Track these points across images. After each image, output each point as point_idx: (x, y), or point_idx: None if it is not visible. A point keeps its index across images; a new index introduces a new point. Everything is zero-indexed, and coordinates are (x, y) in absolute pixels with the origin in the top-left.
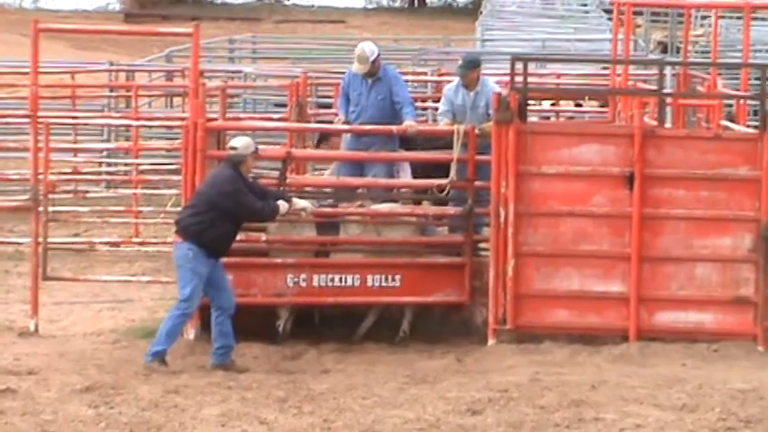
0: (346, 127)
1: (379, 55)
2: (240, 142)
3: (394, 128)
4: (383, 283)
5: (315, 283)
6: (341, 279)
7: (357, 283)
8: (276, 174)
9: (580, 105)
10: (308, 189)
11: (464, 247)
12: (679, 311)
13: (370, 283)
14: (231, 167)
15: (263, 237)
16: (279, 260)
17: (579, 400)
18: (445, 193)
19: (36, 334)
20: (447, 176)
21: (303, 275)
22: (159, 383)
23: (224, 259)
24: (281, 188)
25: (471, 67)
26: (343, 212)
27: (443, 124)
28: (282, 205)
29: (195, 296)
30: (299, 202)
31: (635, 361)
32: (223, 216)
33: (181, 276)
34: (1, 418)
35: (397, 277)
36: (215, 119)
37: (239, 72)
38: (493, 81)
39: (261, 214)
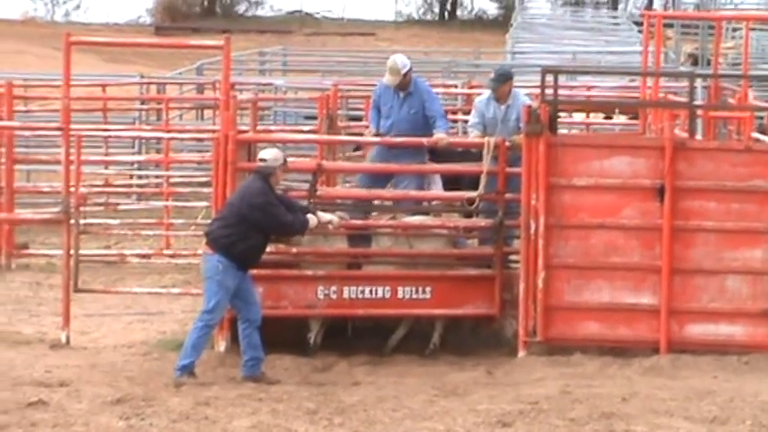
0: (377, 139)
1: (410, 69)
2: (269, 154)
3: (425, 140)
4: (413, 296)
5: (345, 296)
6: (371, 291)
7: (387, 295)
8: (306, 186)
9: (610, 118)
10: (338, 201)
11: (494, 260)
12: (710, 324)
13: (400, 295)
14: (261, 179)
15: (294, 249)
16: (309, 272)
17: (610, 412)
18: (475, 205)
19: (67, 346)
20: (476, 189)
21: (333, 287)
22: (190, 395)
23: (255, 271)
24: (311, 201)
25: (503, 80)
26: (373, 224)
27: (473, 136)
28: (312, 219)
29: (219, 308)
30: (325, 216)
31: (666, 373)
32: (253, 228)
33: (207, 288)
34: (33, 430)
35: (428, 289)
36: (246, 131)
37: (270, 85)
38: (524, 94)
39: (291, 227)
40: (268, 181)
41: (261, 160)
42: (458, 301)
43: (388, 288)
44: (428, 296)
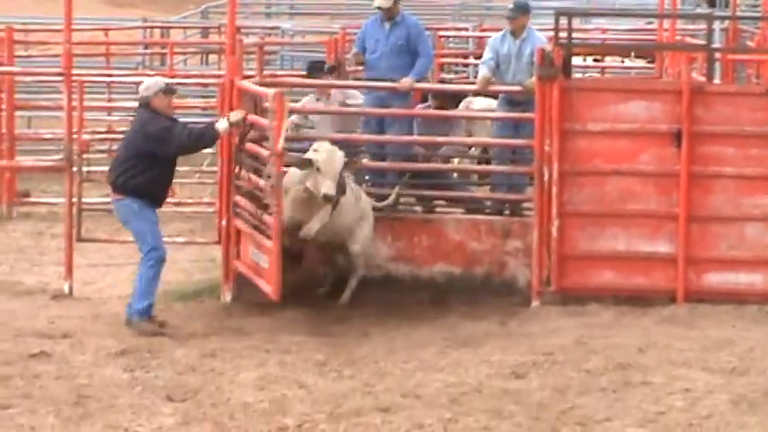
0: (359, 83)
1: None
2: (143, 85)
3: (398, 84)
4: None
5: None
6: None
7: None
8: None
9: (622, 62)
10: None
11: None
12: (728, 272)
13: None
14: (144, 110)
15: None
16: None
17: (626, 363)
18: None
19: (70, 296)
20: None
21: None
22: (195, 347)
23: None
24: None
25: (521, 11)
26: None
27: (482, 75)
28: (221, 124)
29: (158, 241)
30: (233, 116)
31: (683, 323)
32: (153, 160)
33: (135, 230)
34: (36, 382)
35: None
36: (252, 76)
37: (277, 28)
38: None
39: (198, 141)
40: (151, 109)
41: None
42: None
43: None
44: None
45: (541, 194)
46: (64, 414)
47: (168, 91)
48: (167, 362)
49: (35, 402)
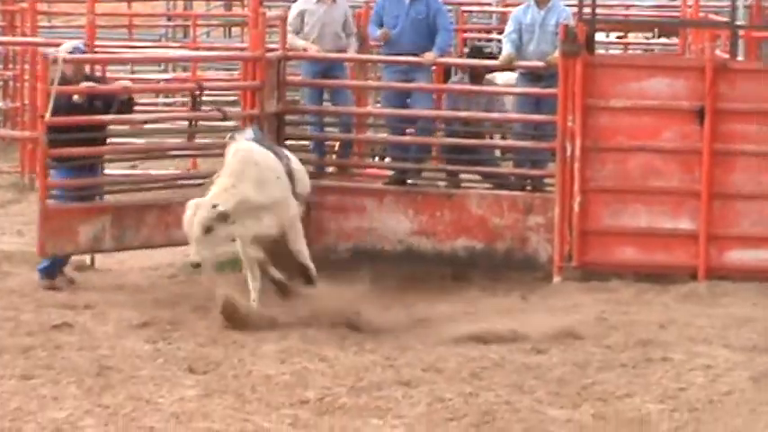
0: (382, 58)
1: None
2: None
3: (421, 59)
4: None
5: None
6: None
7: None
8: None
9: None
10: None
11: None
12: (750, 249)
13: None
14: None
15: None
16: None
17: (647, 339)
18: None
19: (92, 267)
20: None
21: None
22: (217, 319)
23: None
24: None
25: None
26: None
27: (505, 53)
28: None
29: None
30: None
31: (704, 300)
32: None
33: None
34: (58, 353)
35: None
36: (275, 49)
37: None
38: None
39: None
40: (64, 79)
41: None
42: None
43: None
44: None
45: (564, 170)
46: (86, 385)
47: (72, 62)
48: (189, 334)
49: (57, 373)
